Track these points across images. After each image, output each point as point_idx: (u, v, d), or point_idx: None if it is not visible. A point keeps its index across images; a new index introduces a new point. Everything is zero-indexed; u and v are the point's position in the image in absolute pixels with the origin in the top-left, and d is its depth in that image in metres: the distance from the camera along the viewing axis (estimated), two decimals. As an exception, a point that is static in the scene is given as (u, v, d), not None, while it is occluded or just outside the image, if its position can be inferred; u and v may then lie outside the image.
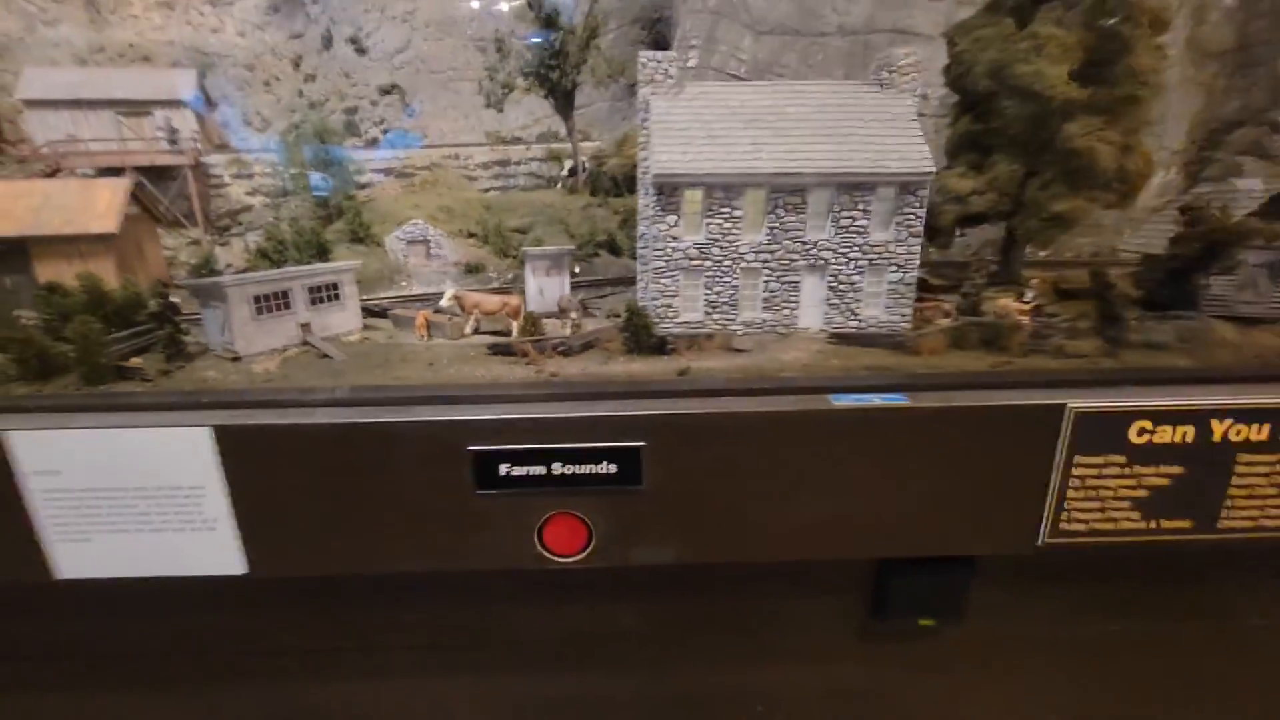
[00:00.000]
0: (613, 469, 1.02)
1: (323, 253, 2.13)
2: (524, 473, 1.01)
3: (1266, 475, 1.07)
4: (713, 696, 1.33)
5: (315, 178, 2.51)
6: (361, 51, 2.57)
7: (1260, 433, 1.05)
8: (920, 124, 1.48)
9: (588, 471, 1.01)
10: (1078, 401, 1.04)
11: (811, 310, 1.44)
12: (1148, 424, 1.04)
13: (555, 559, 1.07)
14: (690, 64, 2.52)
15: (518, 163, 2.58)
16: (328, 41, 2.59)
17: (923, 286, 1.73)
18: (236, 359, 1.36)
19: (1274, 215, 1.46)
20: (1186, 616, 1.26)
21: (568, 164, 2.47)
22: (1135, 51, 1.52)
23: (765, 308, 1.43)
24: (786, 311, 1.45)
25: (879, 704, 1.33)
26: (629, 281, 1.64)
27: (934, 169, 1.36)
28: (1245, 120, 2.39)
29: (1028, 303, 1.42)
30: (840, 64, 2.39)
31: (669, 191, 1.38)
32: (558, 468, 1.01)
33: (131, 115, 2.53)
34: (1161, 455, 1.06)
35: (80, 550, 1.04)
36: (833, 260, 1.43)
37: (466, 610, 1.24)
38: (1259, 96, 2.37)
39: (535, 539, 1.06)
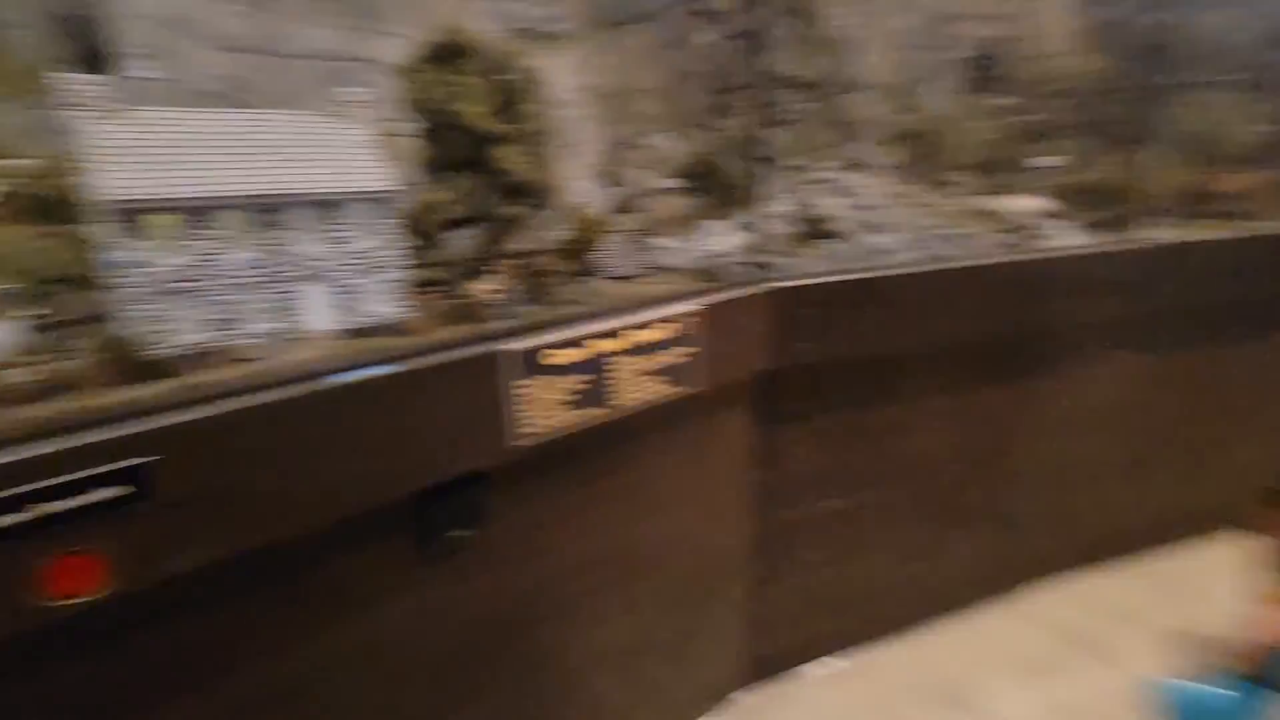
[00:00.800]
0: (117, 492, 1.05)
1: None
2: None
3: (630, 371, 1.77)
4: (295, 675, 1.45)
5: None
6: None
7: (617, 344, 1.73)
8: (384, 147, 1.81)
9: (85, 503, 1.02)
10: (512, 345, 1.54)
11: (318, 314, 1.64)
12: (556, 351, 1.61)
13: (70, 602, 1.05)
14: (146, 78, 2.35)
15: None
16: None
17: (434, 280, 2.10)
18: None
19: (620, 211, 2.31)
20: (621, 475, 1.96)
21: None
22: (528, 98, 2.15)
23: (270, 318, 1.57)
24: (294, 318, 1.61)
25: (446, 610, 1.66)
26: (108, 315, 1.54)
27: (396, 187, 1.70)
28: (629, 143, 3.48)
29: (491, 286, 1.91)
30: (318, 87, 2.55)
31: (131, 217, 1.38)
32: (47, 506, 0.99)
33: None
34: (568, 370, 1.64)
35: None
36: (328, 269, 1.65)
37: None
38: (632, 127, 3.47)
39: (42, 588, 1.02)
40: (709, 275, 2.25)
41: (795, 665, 2.69)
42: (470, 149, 2.08)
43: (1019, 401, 2.71)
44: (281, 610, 1.39)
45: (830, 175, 2.96)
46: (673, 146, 3.34)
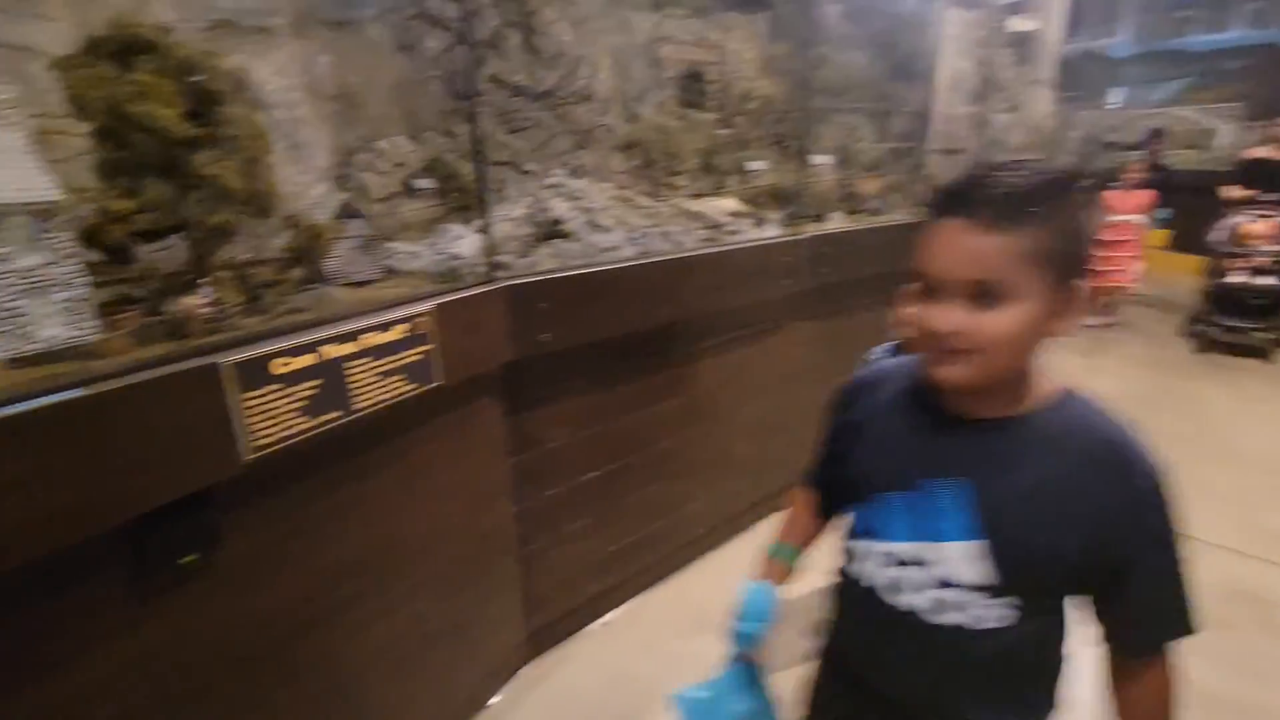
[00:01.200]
0: None
1: None
2: None
3: (369, 373, 1.81)
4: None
5: None
6: None
7: (352, 348, 1.76)
8: (45, 152, 1.60)
9: None
10: (233, 357, 1.50)
11: (-31, 344, 1.42)
12: (284, 359, 1.60)
13: None
14: None
15: None
16: None
17: (129, 297, 1.89)
18: None
19: (353, 216, 2.31)
20: (374, 475, 1.99)
21: None
22: (229, 99, 2.04)
23: (-105, 353, 1.32)
24: (-67, 351, 1.37)
25: (185, 640, 1.56)
26: None
27: (62, 197, 1.52)
28: (362, 147, 3.39)
29: (202, 299, 1.79)
30: (-62, 74, 2.13)
31: None
32: None
33: None
34: (301, 377, 1.64)
35: None
36: (-22, 291, 1.43)
37: None
38: (365, 131, 3.39)
39: None
40: (448, 277, 2.36)
41: (573, 631, 2.95)
42: (160, 154, 1.92)
43: (728, 368, 3.27)
44: None
45: (561, 180, 3.24)
46: (408, 151, 3.35)
